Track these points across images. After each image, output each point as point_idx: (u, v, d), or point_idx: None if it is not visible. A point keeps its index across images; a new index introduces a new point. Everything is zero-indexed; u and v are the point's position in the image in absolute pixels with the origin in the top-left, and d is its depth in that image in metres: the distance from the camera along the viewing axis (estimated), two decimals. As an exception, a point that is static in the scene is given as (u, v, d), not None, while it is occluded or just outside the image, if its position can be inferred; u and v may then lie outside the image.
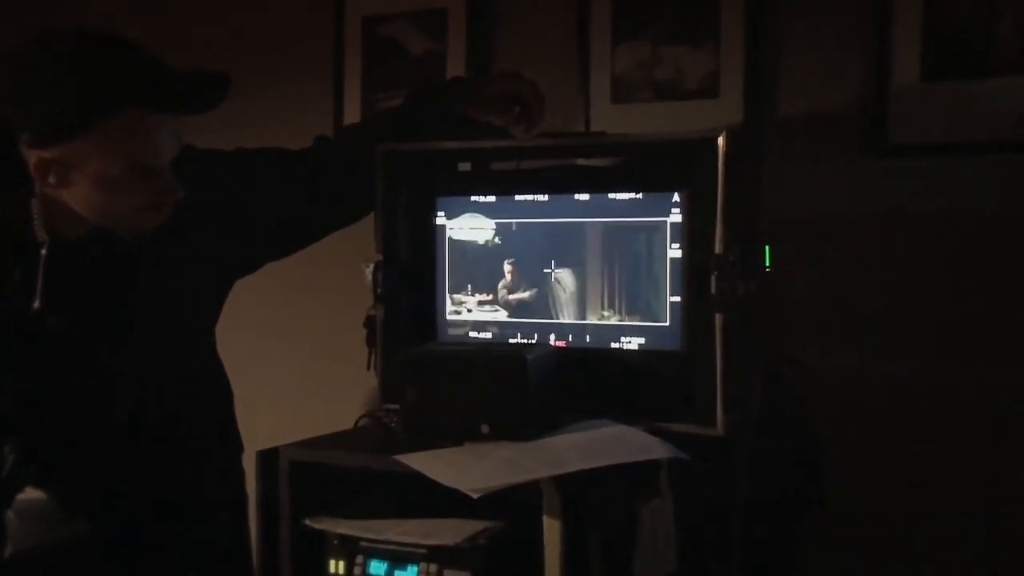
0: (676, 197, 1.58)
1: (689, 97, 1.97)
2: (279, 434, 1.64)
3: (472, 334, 1.72)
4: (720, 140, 1.48)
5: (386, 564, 1.50)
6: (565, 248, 1.66)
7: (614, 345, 1.63)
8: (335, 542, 1.54)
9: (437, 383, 1.54)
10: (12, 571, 1.54)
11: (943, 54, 1.80)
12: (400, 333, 1.71)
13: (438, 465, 1.42)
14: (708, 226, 1.50)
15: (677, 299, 1.58)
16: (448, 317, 1.74)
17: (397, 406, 1.61)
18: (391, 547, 1.50)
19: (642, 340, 1.62)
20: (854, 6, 1.86)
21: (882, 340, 1.86)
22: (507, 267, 1.70)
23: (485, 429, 1.51)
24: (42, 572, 1.54)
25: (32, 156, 1.37)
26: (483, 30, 2.16)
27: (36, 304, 1.43)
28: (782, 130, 1.91)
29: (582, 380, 1.61)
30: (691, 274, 1.56)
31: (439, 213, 1.73)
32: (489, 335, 1.71)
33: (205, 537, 1.66)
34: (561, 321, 1.67)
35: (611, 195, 1.63)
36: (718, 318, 1.48)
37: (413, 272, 1.74)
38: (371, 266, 1.70)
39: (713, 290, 1.48)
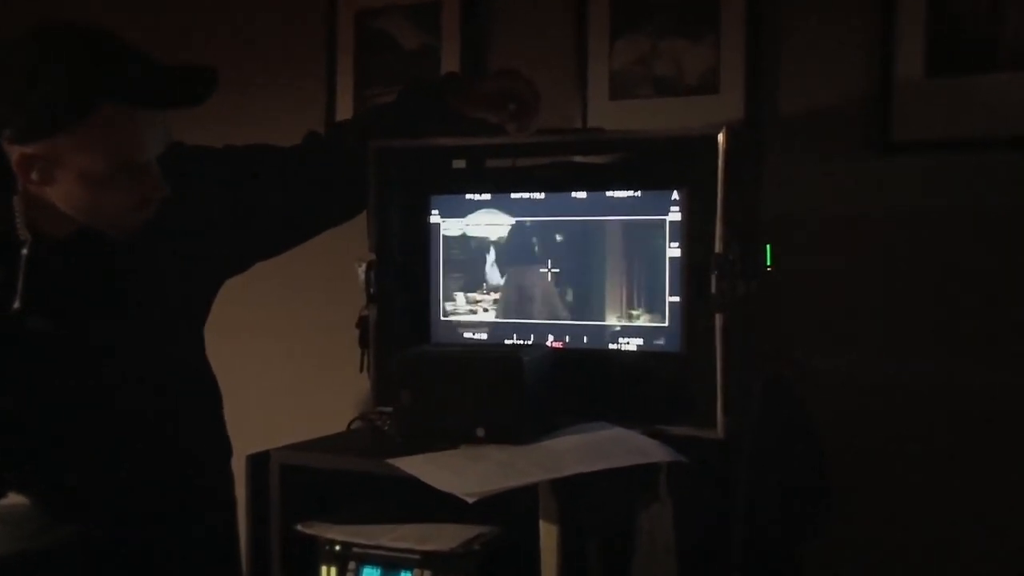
0: (675, 195, 1.58)
1: (689, 93, 1.97)
2: (269, 437, 1.64)
3: (467, 335, 1.72)
4: (720, 137, 1.48)
5: (379, 570, 1.50)
6: (561, 247, 1.66)
7: (612, 346, 1.63)
8: (327, 548, 1.54)
9: (431, 385, 1.54)
10: None
11: (947, 48, 1.80)
12: (393, 334, 1.71)
13: (432, 469, 1.42)
14: (708, 224, 1.50)
15: (676, 299, 1.58)
16: (442, 318, 1.74)
17: (390, 408, 1.61)
18: (384, 553, 1.50)
19: (640, 341, 1.62)
20: (856, 0, 1.86)
21: (885, 341, 1.86)
22: (503, 266, 1.70)
23: (480, 432, 1.51)
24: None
25: (14, 152, 1.37)
26: (478, 24, 2.16)
27: (16, 305, 1.43)
28: (783, 127, 1.91)
29: (579, 382, 1.62)
30: (691, 273, 1.56)
31: (433, 211, 1.73)
32: (484, 336, 1.71)
33: (193, 544, 1.65)
34: (558, 322, 1.67)
35: (609, 193, 1.63)
36: (718, 318, 1.48)
37: (407, 271, 1.74)
38: (364, 265, 1.70)
39: (713, 290, 1.49)
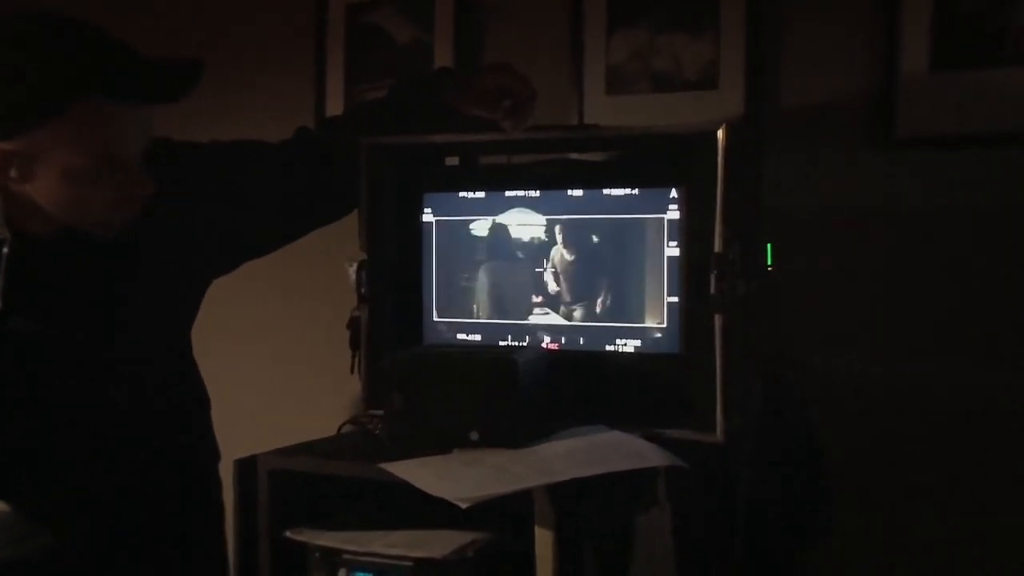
0: (674, 193, 1.58)
1: (688, 88, 1.98)
2: (258, 442, 1.64)
3: (460, 336, 1.72)
4: (720, 133, 1.48)
5: (370, 578, 1.50)
6: (556, 246, 1.66)
7: (609, 348, 1.63)
8: (317, 555, 1.53)
9: (424, 388, 1.54)
10: None
11: (954, 42, 1.80)
12: (385, 335, 1.71)
13: (425, 474, 1.42)
14: (707, 223, 1.50)
15: (675, 300, 1.58)
16: (435, 319, 1.74)
17: (382, 412, 1.61)
18: (376, 560, 1.50)
19: (638, 342, 1.62)
20: (860, -8, 1.87)
21: (889, 341, 1.86)
22: (498, 266, 1.70)
23: (474, 436, 1.51)
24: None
25: None
26: (471, 18, 2.16)
27: None
28: (785, 123, 1.91)
29: (575, 384, 1.62)
30: (689, 273, 1.56)
31: (426, 209, 1.73)
32: (478, 337, 1.71)
33: (179, 551, 1.65)
34: (553, 323, 1.67)
35: (606, 191, 1.63)
36: (717, 319, 1.49)
37: (399, 271, 1.74)
38: (355, 265, 1.70)
39: (712, 290, 1.49)
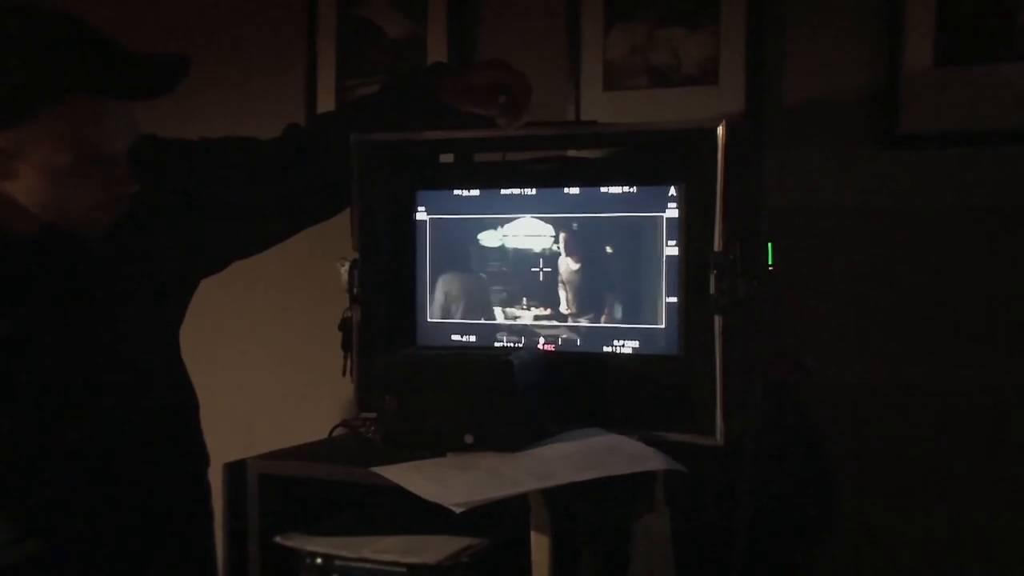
0: (672, 191, 1.59)
1: (687, 84, 1.98)
2: (248, 445, 1.64)
3: (454, 337, 1.73)
4: (720, 130, 1.48)
5: (362, 584, 1.51)
6: (553, 245, 1.66)
7: (606, 349, 1.64)
8: (308, 561, 1.54)
9: (417, 390, 1.54)
10: None
11: (958, 37, 1.81)
12: (378, 336, 1.71)
13: (418, 478, 1.42)
14: (707, 222, 1.50)
15: (674, 300, 1.59)
16: (428, 319, 1.74)
17: (374, 415, 1.61)
18: (368, 566, 1.50)
19: (636, 344, 1.62)
20: (863, -14, 1.87)
21: (893, 343, 1.87)
22: (493, 266, 1.70)
23: (469, 439, 1.51)
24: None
25: None
26: (466, 11, 2.16)
27: None
28: (786, 119, 1.92)
29: (572, 386, 1.62)
30: (689, 273, 1.56)
31: (419, 208, 1.74)
32: (472, 338, 1.72)
33: (167, 558, 1.65)
34: (550, 323, 1.67)
35: (603, 189, 1.63)
36: (717, 320, 1.49)
37: (392, 271, 1.74)
38: (346, 265, 1.70)
39: (712, 290, 1.49)
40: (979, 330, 1.82)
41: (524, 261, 1.67)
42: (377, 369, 1.59)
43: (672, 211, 1.59)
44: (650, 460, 1.43)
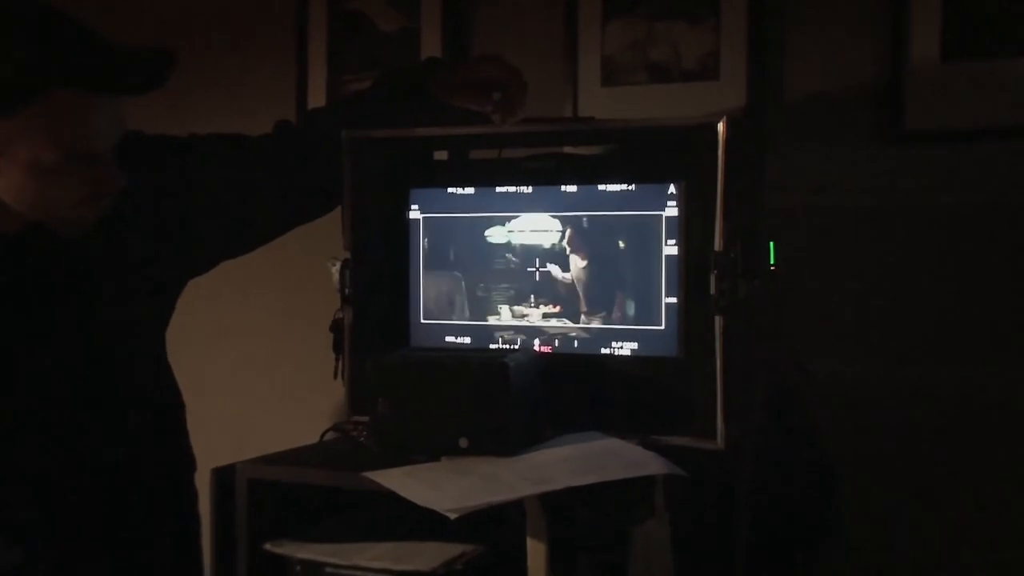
0: (672, 189, 1.59)
1: (687, 79, 1.98)
2: (236, 450, 1.64)
3: (448, 339, 1.73)
4: (720, 126, 1.48)
5: (354, 592, 1.51)
6: (550, 244, 1.66)
7: (604, 351, 1.64)
8: (298, 569, 1.54)
9: (411, 393, 1.54)
10: None
11: (966, 30, 1.81)
12: (370, 338, 1.71)
13: (412, 483, 1.42)
14: (707, 220, 1.51)
15: (673, 300, 1.59)
16: (422, 321, 1.74)
17: (367, 418, 1.61)
18: (360, 574, 1.50)
19: (635, 345, 1.62)
20: (868, -22, 1.87)
21: (897, 344, 1.87)
22: (488, 265, 1.70)
23: (464, 443, 1.51)
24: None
25: None
26: (460, 5, 2.16)
27: None
28: (788, 115, 1.92)
29: (570, 389, 1.62)
30: (689, 273, 1.57)
31: (413, 206, 1.74)
32: (467, 340, 1.72)
33: (152, 566, 1.65)
34: (547, 325, 1.67)
35: (601, 187, 1.64)
36: (718, 321, 1.49)
37: (384, 271, 1.74)
38: (338, 264, 1.70)
39: (712, 290, 1.49)
40: (987, 331, 1.82)
41: (530, 258, 1.68)
42: (369, 371, 1.59)
43: (672, 209, 1.59)
44: (649, 464, 1.43)
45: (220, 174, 1.67)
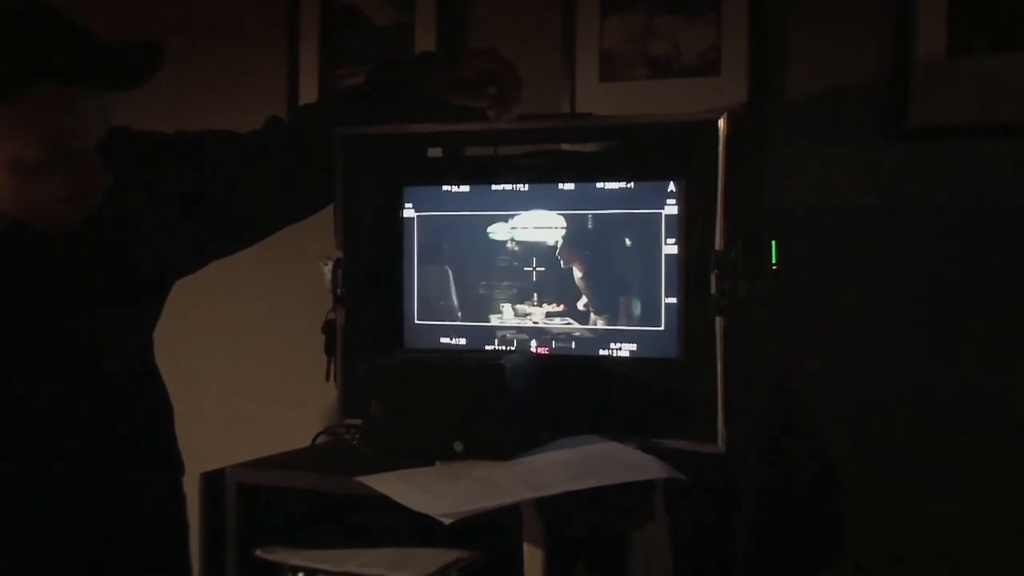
0: (672, 187, 1.59)
1: (687, 74, 1.98)
2: (226, 454, 1.64)
3: (443, 340, 1.73)
4: (721, 123, 1.48)
5: (346, 599, 1.51)
6: (548, 243, 1.66)
7: (603, 352, 1.64)
8: (289, 575, 1.54)
9: (405, 395, 1.54)
10: None
11: (972, 25, 1.81)
12: (363, 339, 1.71)
13: (405, 487, 1.42)
14: (707, 219, 1.51)
15: (673, 300, 1.59)
16: (416, 321, 1.74)
17: (359, 421, 1.61)
18: (352, 580, 1.50)
19: (634, 346, 1.62)
20: (871, -29, 1.87)
21: (901, 344, 1.87)
22: (484, 265, 1.70)
23: (459, 447, 1.51)
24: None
25: None
26: (455, -1, 2.16)
27: None
28: (791, 111, 1.92)
29: (567, 391, 1.62)
30: (689, 273, 1.57)
31: (407, 204, 1.74)
32: (462, 341, 1.72)
33: (141, 572, 1.65)
34: (544, 325, 1.67)
35: (599, 184, 1.64)
36: (719, 321, 1.49)
37: (377, 271, 1.74)
38: (330, 264, 1.70)
39: (713, 290, 1.49)
40: (993, 331, 1.82)
41: (532, 255, 1.68)
42: (362, 373, 1.60)
43: (671, 208, 1.59)
44: (649, 468, 1.43)
45: (208, 171, 1.67)
